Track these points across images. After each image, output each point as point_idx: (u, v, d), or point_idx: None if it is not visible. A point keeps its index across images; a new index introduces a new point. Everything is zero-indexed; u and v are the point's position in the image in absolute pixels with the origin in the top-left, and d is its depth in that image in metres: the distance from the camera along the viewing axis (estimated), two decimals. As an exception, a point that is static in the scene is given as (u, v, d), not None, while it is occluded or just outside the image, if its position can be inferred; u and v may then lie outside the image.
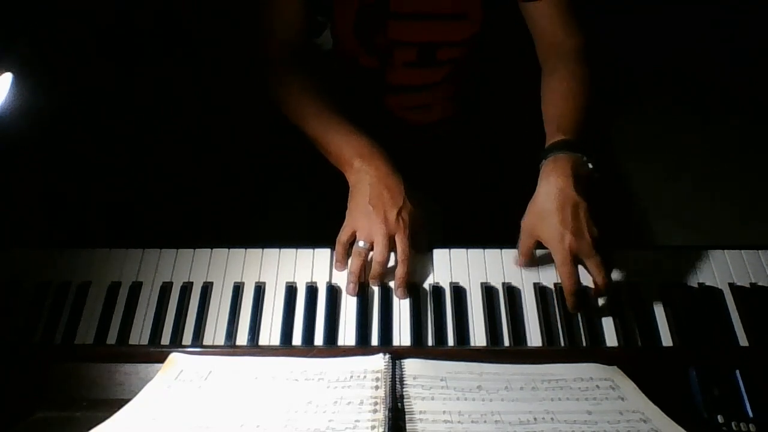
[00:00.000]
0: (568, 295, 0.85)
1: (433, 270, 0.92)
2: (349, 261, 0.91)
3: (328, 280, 0.91)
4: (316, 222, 1.18)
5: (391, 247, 0.89)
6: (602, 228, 0.85)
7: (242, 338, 0.86)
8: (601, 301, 0.88)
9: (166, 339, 0.86)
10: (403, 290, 0.89)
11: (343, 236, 0.92)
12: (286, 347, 0.84)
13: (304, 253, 0.94)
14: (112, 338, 0.86)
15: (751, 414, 0.73)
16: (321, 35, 1.13)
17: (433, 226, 0.95)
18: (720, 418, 0.73)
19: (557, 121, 0.95)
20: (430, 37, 1.08)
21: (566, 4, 1.03)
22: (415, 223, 0.91)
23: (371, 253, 0.90)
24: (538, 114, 1.01)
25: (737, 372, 0.76)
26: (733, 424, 0.72)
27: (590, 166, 0.90)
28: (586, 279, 0.91)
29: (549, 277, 0.91)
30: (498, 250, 0.94)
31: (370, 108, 1.17)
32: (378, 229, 0.89)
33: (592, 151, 0.91)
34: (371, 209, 0.90)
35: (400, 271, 0.89)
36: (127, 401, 0.70)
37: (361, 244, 0.90)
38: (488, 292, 0.89)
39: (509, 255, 0.93)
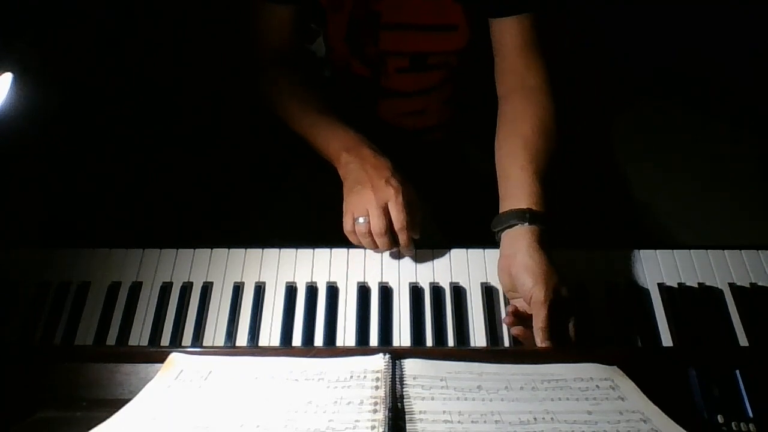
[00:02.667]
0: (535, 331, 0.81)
1: (433, 270, 0.92)
2: (361, 242, 0.91)
3: (328, 280, 0.91)
4: (316, 222, 1.18)
5: (387, 216, 0.89)
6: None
7: (242, 338, 0.86)
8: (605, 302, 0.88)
9: (166, 339, 0.86)
10: (409, 250, 0.91)
11: (346, 225, 0.92)
12: (286, 347, 0.84)
13: (304, 253, 0.94)
14: (112, 338, 0.86)
15: (751, 414, 0.73)
16: (314, 42, 1.13)
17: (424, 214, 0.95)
18: (720, 418, 0.73)
19: (516, 181, 0.91)
20: (421, 48, 1.08)
21: (534, 31, 1.00)
22: (407, 191, 0.90)
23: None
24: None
25: (737, 372, 0.76)
26: (733, 424, 0.72)
27: (547, 236, 0.87)
28: (590, 280, 0.91)
29: (549, 277, 0.91)
30: (498, 251, 0.94)
31: (364, 114, 1.18)
32: (369, 200, 0.89)
33: (552, 212, 0.89)
34: (360, 186, 0.91)
35: (402, 239, 0.89)
36: (127, 401, 0.70)
37: (361, 220, 0.90)
38: (488, 292, 0.90)
39: (509, 255, 0.93)
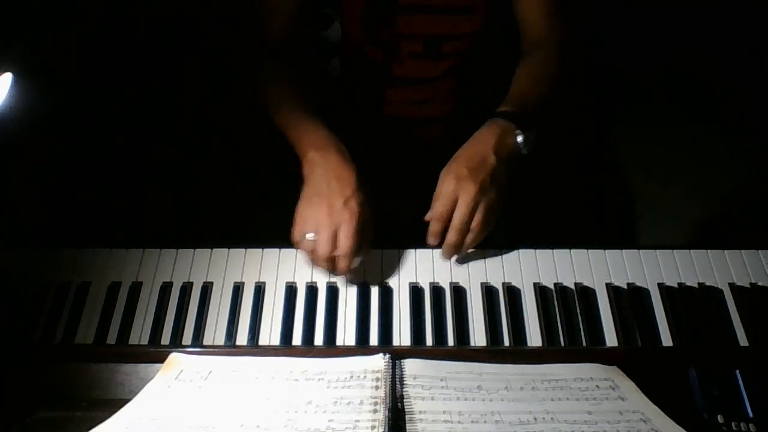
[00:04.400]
0: (433, 220, 0.88)
1: (433, 270, 0.92)
2: (306, 257, 0.89)
3: (328, 280, 0.91)
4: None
5: (335, 241, 0.86)
6: (500, 193, 0.90)
7: (242, 338, 0.86)
8: (602, 302, 0.88)
9: (166, 339, 0.86)
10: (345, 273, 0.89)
11: (294, 235, 0.89)
12: (286, 347, 0.84)
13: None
14: (112, 338, 0.86)
15: (751, 414, 0.73)
16: (329, 28, 1.13)
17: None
18: (720, 418, 0.73)
19: (510, 94, 1.01)
20: (437, 30, 1.09)
21: (556, 4, 1.07)
22: (363, 213, 0.88)
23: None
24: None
25: (737, 372, 0.76)
26: (733, 424, 0.72)
27: (519, 139, 0.93)
28: (590, 280, 0.91)
29: (549, 277, 0.91)
30: (498, 250, 0.94)
31: (373, 102, 1.18)
32: (322, 219, 0.86)
33: (531, 129, 0.95)
34: (316, 200, 0.88)
35: (340, 265, 0.87)
36: (127, 401, 0.70)
37: (309, 236, 0.87)
38: (488, 292, 0.89)
39: (509, 255, 0.94)
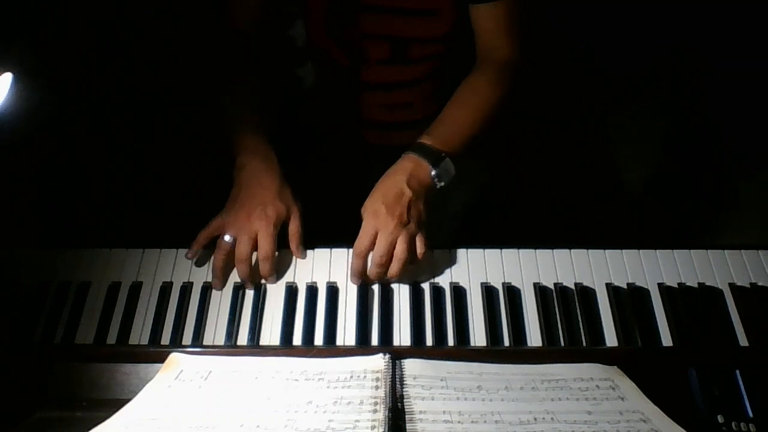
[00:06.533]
0: (354, 256, 0.89)
1: (433, 270, 0.92)
2: (213, 256, 0.90)
3: (328, 280, 0.91)
4: (315, 222, 1.17)
5: (254, 245, 0.89)
6: (420, 224, 0.90)
7: (242, 338, 0.86)
8: (602, 302, 0.88)
9: (166, 339, 0.86)
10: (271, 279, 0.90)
11: (207, 228, 0.92)
12: (286, 347, 0.84)
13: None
14: (112, 338, 0.86)
15: (751, 414, 0.73)
16: (294, 26, 1.12)
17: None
18: (720, 418, 0.73)
19: (438, 120, 1.01)
20: (401, 32, 1.07)
21: (512, 17, 1.04)
22: (281, 219, 0.91)
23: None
24: (522, 110, 1.01)
25: (737, 372, 0.76)
26: (733, 424, 0.72)
27: (432, 173, 0.93)
28: (590, 280, 0.91)
29: (549, 277, 0.91)
30: (498, 250, 0.94)
31: (348, 106, 1.17)
32: (241, 225, 0.89)
33: (447, 162, 0.94)
34: (238, 206, 0.91)
35: (263, 270, 0.89)
36: (127, 401, 0.70)
37: (226, 238, 0.89)
38: (488, 292, 0.89)
39: (509, 255, 0.93)
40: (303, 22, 1.10)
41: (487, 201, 1.27)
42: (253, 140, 0.97)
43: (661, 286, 0.90)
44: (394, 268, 0.88)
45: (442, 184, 0.95)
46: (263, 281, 0.91)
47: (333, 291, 0.90)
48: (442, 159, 0.94)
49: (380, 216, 0.89)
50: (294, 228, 0.93)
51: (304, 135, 1.25)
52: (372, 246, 0.88)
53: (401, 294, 0.90)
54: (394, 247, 0.88)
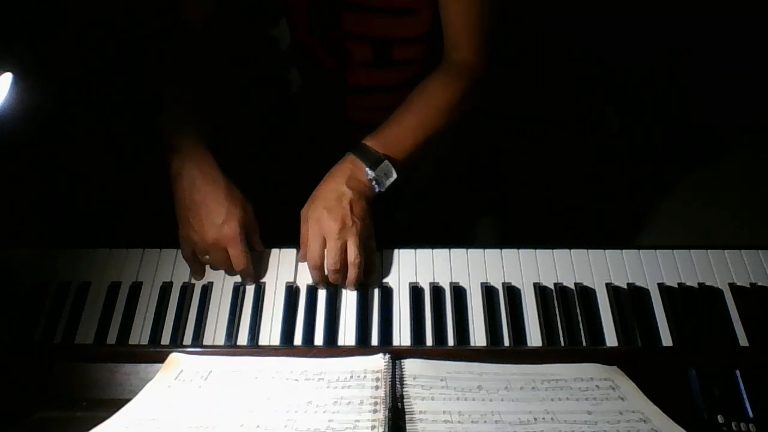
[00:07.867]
0: (311, 269, 0.88)
1: (433, 270, 0.92)
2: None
3: (328, 280, 0.91)
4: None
5: (228, 258, 0.89)
6: (365, 225, 0.89)
7: (242, 338, 0.86)
8: (603, 301, 0.88)
9: (166, 339, 0.86)
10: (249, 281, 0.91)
11: (185, 251, 0.91)
12: (286, 347, 0.84)
13: (304, 253, 0.94)
14: (112, 338, 0.86)
15: (751, 414, 0.73)
16: (278, 24, 1.11)
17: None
18: (720, 418, 0.73)
19: (384, 125, 0.96)
20: (383, 32, 1.07)
21: (478, 18, 1.00)
22: (247, 227, 0.90)
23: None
24: (510, 112, 0.99)
25: (737, 372, 0.76)
26: (733, 424, 0.72)
27: (369, 176, 0.90)
28: (590, 280, 0.91)
29: (549, 277, 0.91)
30: (498, 250, 0.94)
31: (334, 108, 1.17)
32: (209, 246, 0.88)
33: (388, 167, 0.91)
34: (191, 221, 0.89)
35: (243, 278, 0.90)
36: (127, 401, 0.70)
37: (205, 258, 0.91)
38: (488, 292, 0.89)
39: (509, 255, 0.93)
40: (286, 20, 1.09)
41: (444, 174, 1.26)
42: (193, 141, 0.92)
43: (661, 286, 0.90)
44: (351, 274, 0.87)
45: (380, 189, 0.92)
46: (261, 280, 0.91)
47: (333, 291, 0.90)
48: (380, 161, 0.91)
49: (323, 221, 0.87)
50: (251, 227, 0.91)
51: (291, 136, 1.25)
52: (323, 255, 0.87)
53: (401, 294, 0.90)
54: (345, 253, 0.86)
